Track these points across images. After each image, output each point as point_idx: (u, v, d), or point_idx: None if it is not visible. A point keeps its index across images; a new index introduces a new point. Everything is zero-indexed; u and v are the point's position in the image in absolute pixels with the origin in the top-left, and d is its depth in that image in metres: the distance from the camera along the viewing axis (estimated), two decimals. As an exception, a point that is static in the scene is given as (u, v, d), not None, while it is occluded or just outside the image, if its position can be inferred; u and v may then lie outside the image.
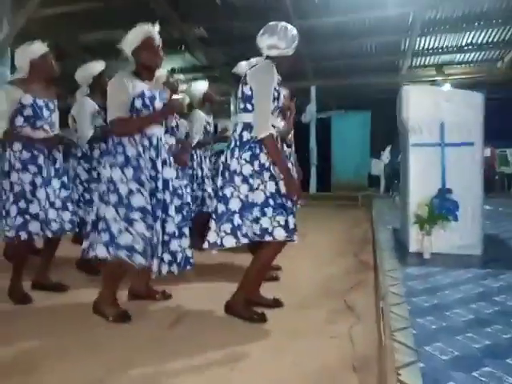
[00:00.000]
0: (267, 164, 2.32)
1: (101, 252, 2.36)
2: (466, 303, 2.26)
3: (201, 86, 4.37)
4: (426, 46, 9.20)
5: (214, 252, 2.44)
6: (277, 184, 2.32)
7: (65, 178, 2.95)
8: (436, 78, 10.13)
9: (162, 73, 3.71)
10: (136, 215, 2.35)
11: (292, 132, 4.69)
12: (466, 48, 9.17)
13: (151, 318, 2.52)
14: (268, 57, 2.40)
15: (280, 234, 2.27)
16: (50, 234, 2.77)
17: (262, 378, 1.81)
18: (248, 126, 2.35)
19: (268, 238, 2.28)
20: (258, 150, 2.32)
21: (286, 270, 3.46)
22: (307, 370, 1.87)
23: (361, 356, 1.94)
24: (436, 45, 9.09)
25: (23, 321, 2.50)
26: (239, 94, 2.41)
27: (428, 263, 3.13)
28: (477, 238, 3.35)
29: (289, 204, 2.34)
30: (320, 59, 9.70)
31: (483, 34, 8.42)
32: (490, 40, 8.74)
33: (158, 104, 2.51)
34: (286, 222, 2.29)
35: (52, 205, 2.79)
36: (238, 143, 2.36)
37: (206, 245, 2.42)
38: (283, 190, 2.32)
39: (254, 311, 2.46)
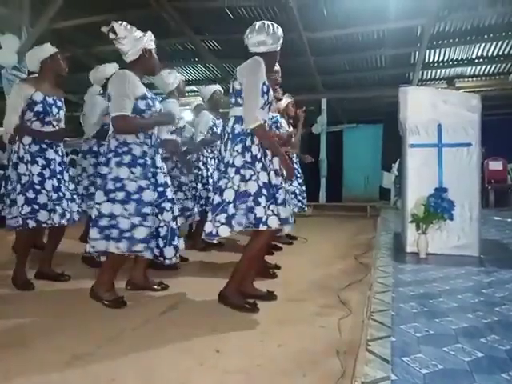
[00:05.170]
0: (259, 155, 2.40)
1: (110, 248, 2.44)
2: (453, 294, 2.26)
3: (211, 87, 4.48)
4: (435, 59, 9.22)
5: (214, 241, 2.61)
6: (268, 174, 2.41)
7: (70, 172, 3.12)
8: (447, 91, 10.11)
9: (179, 77, 3.82)
10: (148, 210, 2.49)
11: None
12: (476, 61, 9.15)
13: (146, 305, 2.60)
14: (256, 53, 2.48)
15: (273, 223, 2.34)
16: (65, 223, 2.93)
17: (246, 355, 1.86)
18: (239, 119, 2.44)
19: (262, 227, 2.33)
20: (249, 142, 2.40)
21: (284, 269, 3.49)
22: (291, 351, 1.91)
23: (346, 342, 1.97)
24: (446, 57, 9.10)
25: (24, 303, 2.62)
26: (231, 90, 2.51)
27: (423, 262, 3.13)
28: (474, 238, 3.33)
29: (279, 195, 2.42)
30: (329, 72, 9.77)
31: (493, 46, 8.42)
32: (500, 53, 8.72)
33: (158, 106, 2.64)
34: (278, 211, 2.37)
35: (64, 196, 2.94)
36: (230, 136, 2.45)
37: (203, 235, 2.50)
38: (274, 180, 2.41)
39: (245, 301, 2.51)
